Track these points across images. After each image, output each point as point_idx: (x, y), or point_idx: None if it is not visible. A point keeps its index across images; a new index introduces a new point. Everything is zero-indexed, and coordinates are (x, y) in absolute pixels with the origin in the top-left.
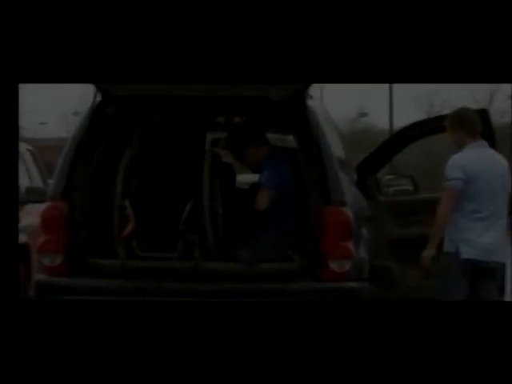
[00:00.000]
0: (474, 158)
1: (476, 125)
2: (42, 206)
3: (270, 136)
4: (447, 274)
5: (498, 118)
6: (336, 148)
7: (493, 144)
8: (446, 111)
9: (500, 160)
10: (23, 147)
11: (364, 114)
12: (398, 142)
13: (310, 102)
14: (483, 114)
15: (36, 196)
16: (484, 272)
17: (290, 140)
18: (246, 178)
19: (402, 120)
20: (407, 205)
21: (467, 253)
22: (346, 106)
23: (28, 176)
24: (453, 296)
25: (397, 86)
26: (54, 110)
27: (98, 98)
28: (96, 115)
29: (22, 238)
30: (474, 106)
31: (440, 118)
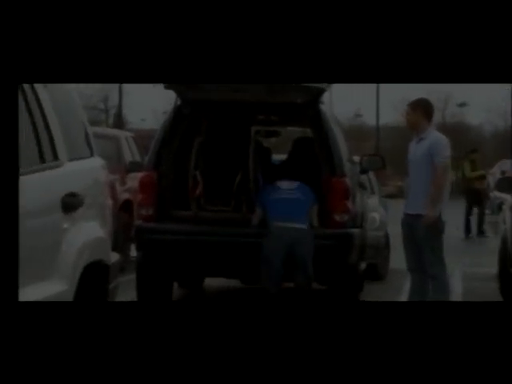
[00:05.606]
0: None
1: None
2: (140, 174)
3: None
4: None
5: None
6: (339, 138)
7: None
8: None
9: None
10: (128, 134)
11: (359, 115)
12: None
13: (322, 106)
14: None
15: (136, 167)
16: None
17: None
18: (278, 157)
19: (387, 119)
20: None
21: None
22: (347, 108)
23: (131, 154)
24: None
25: (383, 91)
26: (150, 109)
27: (178, 102)
28: (176, 113)
29: (127, 196)
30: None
31: None
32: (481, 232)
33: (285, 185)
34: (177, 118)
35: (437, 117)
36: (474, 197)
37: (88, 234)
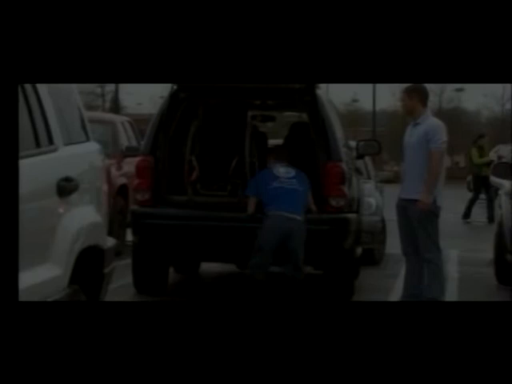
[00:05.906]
0: None
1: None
2: (136, 159)
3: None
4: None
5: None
6: (336, 123)
7: None
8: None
9: None
10: (124, 119)
11: (356, 100)
12: None
13: (318, 91)
14: None
15: (132, 152)
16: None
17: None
18: (274, 142)
19: (383, 105)
20: None
21: None
22: (344, 93)
23: (127, 138)
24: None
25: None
26: (147, 94)
27: (175, 87)
28: (173, 98)
29: (123, 180)
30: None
31: None
32: (493, 220)
33: (282, 172)
34: (173, 103)
35: (433, 102)
36: (482, 183)
37: (83, 218)
